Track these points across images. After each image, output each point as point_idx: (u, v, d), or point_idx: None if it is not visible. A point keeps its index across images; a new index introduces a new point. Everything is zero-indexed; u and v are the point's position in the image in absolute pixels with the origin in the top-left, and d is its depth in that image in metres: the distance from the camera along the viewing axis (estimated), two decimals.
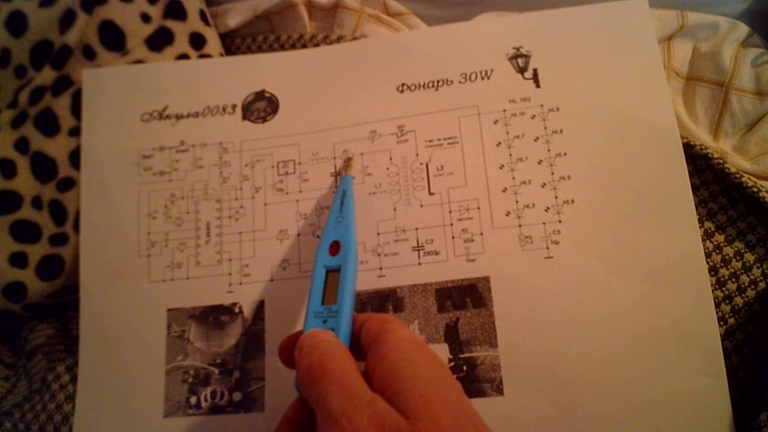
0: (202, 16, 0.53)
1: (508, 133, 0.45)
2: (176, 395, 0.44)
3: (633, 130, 0.43)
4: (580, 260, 0.42)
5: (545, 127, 0.44)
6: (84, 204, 0.48)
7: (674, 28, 0.51)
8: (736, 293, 0.43)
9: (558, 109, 0.45)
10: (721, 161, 0.44)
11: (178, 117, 0.49)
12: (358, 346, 0.34)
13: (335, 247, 0.38)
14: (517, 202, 0.43)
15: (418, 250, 0.44)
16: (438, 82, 0.47)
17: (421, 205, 0.44)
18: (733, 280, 0.43)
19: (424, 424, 0.27)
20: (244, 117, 0.49)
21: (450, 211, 0.44)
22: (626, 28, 0.45)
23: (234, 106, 0.49)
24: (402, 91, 0.47)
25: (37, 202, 0.48)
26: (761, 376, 0.41)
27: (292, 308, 0.44)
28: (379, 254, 0.44)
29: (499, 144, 0.45)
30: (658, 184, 0.42)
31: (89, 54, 0.50)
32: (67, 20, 0.49)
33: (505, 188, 0.44)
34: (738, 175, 0.43)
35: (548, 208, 0.43)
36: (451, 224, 0.44)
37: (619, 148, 0.43)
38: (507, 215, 0.43)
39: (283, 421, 0.33)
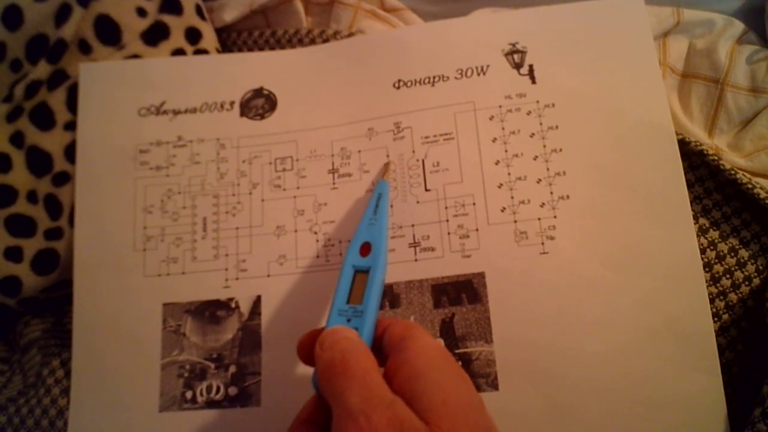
0: (198, 10, 0.53)
1: (503, 129, 0.45)
2: (172, 390, 0.44)
3: (628, 127, 0.43)
4: (575, 256, 0.42)
5: (541, 123, 0.44)
6: (78, 198, 0.47)
7: (670, 25, 0.51)
8: (731, 289, 0.43)
9: (553, 105, 0.45)
10: (716, 158, 0.44)
11: (176, 112, 0.49)
12: (379, 351, 0.34)
13: (366, 249, 0.38)
14: (512, 197, 0.43)
15: (415, 247, 0.44)
16: (434, 78, 0.47)
17: (418, 202, 0.45)
18: (728, 276, 0.43)
19: None
20: (242, 114, 0.49)
21: (446, 207, 0.44)
22: (622, 25, 0.46)
23: (232, 103, 0.49)
24: (398, 88, 0.47)
25: (32, 197, 0.48)
26: (755, 371, 0.41)
27: (289, 304, 0.44)
28: None
29: (494, 140, 0.45)
30: (653, 180, 0.42)
31: (85, 48, 0.49)
32: (62, 14, 0.49)
33: (501, 184, 0.44)
34: (733, 172, 0.43)
35: (543, 203, 0.43)
36: (447, 220, 0.44)
37: (615, 144, 0.43)
38: (502, 211, 0.43)
39: (299, 419, 0.33)
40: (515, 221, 0.43)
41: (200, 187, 0.47)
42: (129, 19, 0.50)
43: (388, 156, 0.46)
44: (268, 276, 0.45)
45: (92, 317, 0.46)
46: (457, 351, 0.42)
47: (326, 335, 0.32)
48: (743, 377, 0.41)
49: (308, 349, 0.34)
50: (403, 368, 0.30)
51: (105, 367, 0.45)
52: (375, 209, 0.41)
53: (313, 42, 0.53)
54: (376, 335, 0.34)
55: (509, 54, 0.46)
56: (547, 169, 0.44)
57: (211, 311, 0.45)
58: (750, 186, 0.43)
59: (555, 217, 0.43)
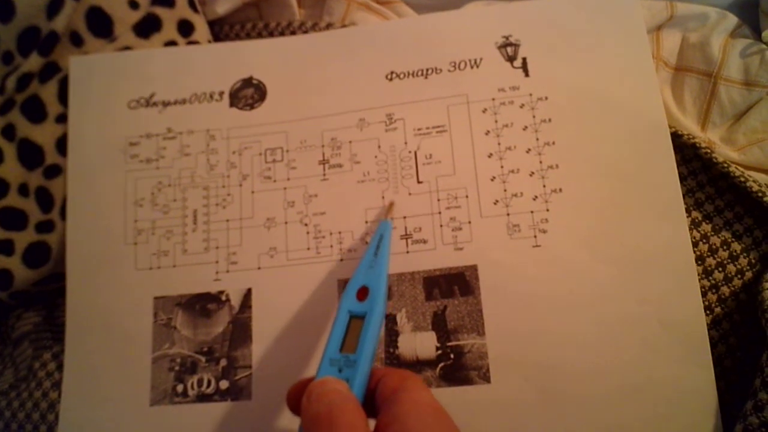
0: (191, 2, 0.53)
1: (496, 121, 0.45)
2: (163, 383, 0.44)
3: (621, 120, 0.43)
4: (568, 249, 0.42)
5: (534, 116, 0.44)
6: (70, 191, 0.47)
7: (663, 18, 0.51)
8: (723, 283, 0.43)
9: (547, 98, 0.45)
10: (709, 151, 0.44)
11: (165, 104, 0.49)
12: (372, 402, 0.32)
13: (363, 293, 0.36)
14: (505, 190, 0.43)
15: (407, 239, 0.44)
16: (427, 70, 0.47)
17: (410, 194, 0.44)
18: (720, 269, 0.43)
19: None
20: (232, 104, 0.48)
21: (438, 200, 0.44)
22: (615, 18, 0.45)
23: (221, 93, 0.49)
24: (391, 79, 0.47)
25: (23, 189, 0.48)
26: (747, 365, 0.41)
27: (280, 296, 0.44)
28: (367, 242, 0.44)
29: (487, 133, 0.45)
30: (645, 173, 0.42)
31: (76, 40, 0.49)
32: (54, 6, 0.48)
33: (494, 177, 0.44)
34: (725, 165, 0.43)
35: (536, 196, 0.43)
36: (440, 213, 0.44)
37: (608, 137, 0.43)
38: (495, 204, 0.43)
39: None
40: (508, 214, 0.43)
41: (190, 180, 0.47)
42: (121, 11, 0.50)
43: (391, 199, 0.45)
44: (259, 268, 0.45)
45: (84, 310, 0.46)
46: (449, 344, 0.42)
47: (314, 386, 0.31)
48: (735, 370, 0.41)
49: (297, 398, 0.32)
50: (394, 425, 0.29)
51: (96, 361, 0.45)
52: (376, 251, 0.39)
53: (305, 34, 0.52)
54: (369, 386, 0.33)
55: (503, 47, 0.46)
56: (540, 162, 0.43)
57: (201, 304, 0.45)
58: (743, 179, 0.43)
59: (548, 210, 0.43)
